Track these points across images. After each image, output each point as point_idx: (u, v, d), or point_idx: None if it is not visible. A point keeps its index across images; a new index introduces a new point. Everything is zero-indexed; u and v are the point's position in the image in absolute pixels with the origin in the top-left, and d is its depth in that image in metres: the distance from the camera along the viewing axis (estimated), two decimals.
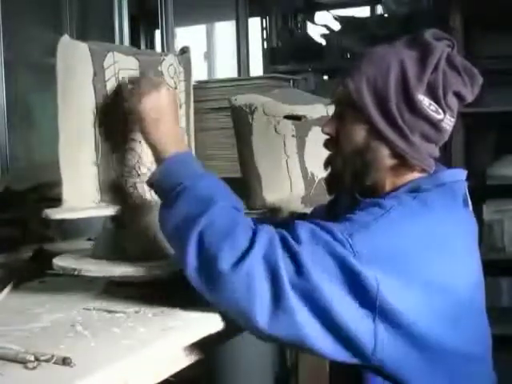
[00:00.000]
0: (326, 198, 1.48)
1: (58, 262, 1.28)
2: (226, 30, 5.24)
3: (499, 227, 3.21)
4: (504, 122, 3.42)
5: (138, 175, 1.28)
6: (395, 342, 1.06)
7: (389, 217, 1.10)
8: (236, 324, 1.09)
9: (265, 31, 4.27)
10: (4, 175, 2.92)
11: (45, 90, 3.05)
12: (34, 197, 1.96)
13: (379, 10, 4.19)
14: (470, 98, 1.21)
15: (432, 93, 1.17)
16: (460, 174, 1.24)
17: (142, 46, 4.86)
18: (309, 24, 4.36)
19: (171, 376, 1.04)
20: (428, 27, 1.22)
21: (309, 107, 1.72)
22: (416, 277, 1.07)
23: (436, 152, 1.22)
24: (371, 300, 1.04)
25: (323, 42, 4.03)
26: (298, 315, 1.02)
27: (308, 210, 1.59)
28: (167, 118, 1.19)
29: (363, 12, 4.33)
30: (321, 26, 4.09)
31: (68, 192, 1.21)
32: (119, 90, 1.24)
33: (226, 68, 5.19)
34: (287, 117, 1.69)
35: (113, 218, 1.29)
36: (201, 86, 2.37)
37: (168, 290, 1.22)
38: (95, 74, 1.22)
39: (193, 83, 1.43)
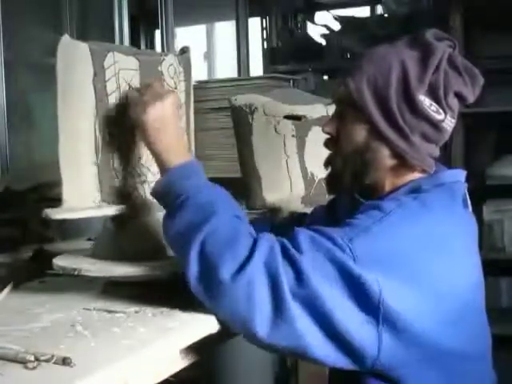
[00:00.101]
0: (325, 198, 1.48)
1: (58, 261, 1.28)
2: (226, 29, 5.24)
3: (499, 227, 3.21)
4: (504, 122, 3.42)
5: (138, 175, 1.28)
6: (397, 346, 1.06)
7: (389, 220, 1.10)
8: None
9: (265, 31, 4.27)
10: (4, 175, 2.92)
11: (45, 90, 3.05)
12: (34, 197, 1.95)
13: (379, 10, 4.20)
14: (471, 98, 1.21)
15: (433, 93, 1.17)
16: (460, 175, 1.24)
17: (142, 46, 4.86)
18: (309, 24, 4.36)
19: (171, 376, 1.04)
20: (428, 27, 1.22)
21: (309, 107, 1.72)
22: (416, 278, 1.07)
23: (436, 152, 1.22)
24: (374, 306, 1.03)
25: (323, 42, 4.03)
26: (298, 324, 1.02)
27: (308, 210, 1.59)
28: (171, 129, 1.19)
29: (363, 12, 4.33)
30: (321, 25, 4.09)
31: (68, 192, 1.21)
32: (125, 98, 1.24)
33: (226, 68, 5.19)
34: (287, 117, 1.69)
35: (113, 218, 1.29)
36: (201, 85, 2.37)
37: (168, 290, 1.22)
38: (95, 74, 1.22)
39: (193, 83, 1.43)
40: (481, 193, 3.13)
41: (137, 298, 1.21)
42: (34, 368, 0.87)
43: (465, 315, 1.13)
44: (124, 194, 1.28)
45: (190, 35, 5.43)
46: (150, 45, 4.99)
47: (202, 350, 1.11)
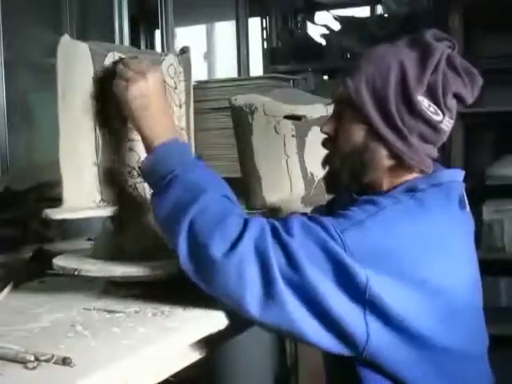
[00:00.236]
0: (325, 198, 1.48)
1: (58, 261, 1.28)
2: (226, 29, 5.24)
3: (499, 227, 3.21)
4: (503, 122, 3.42)
5: (138, 175, 1.28)
6: (386, 337, 1.07)
7: (383, 215, 1.10)
8: (236, 322, 1.09)
9: (265, 31, 4.27)
10: (4, 175, 2.92)
11: (45, 90, 3.05)
12: (33, 197, 1.95)
13: (379, 10, 4.20)
14: (469, 99, 1.20)
15: (431, 94, 1.17)
16: (457, 174, 1.24)
17: (142, 46, 4.86)
18: (309, 24, 4.36)
19: (171, 376, 1.04)
20: (428, 27, 1.22)
21: (309, 107, 1.72)
22: (409, 275, 1.07)
23: (434, 153, 1.22)
24: (360, 294, 1.04)
25: (323, 42, 4.03)
26: (288, 305, 1.03)
27: (308, 210, 1.59)
28: (155, 106, 1.17)
29: (363, 12, 4.32)
30: (321, 25, 4.09)
31: (68, 192, 1.21)
32: (112, 71, 1.21)
33: (226, 68, 5.18)
34: (287, 117, 1.69)
35: (113, 218, 1.29)
36: (201, 86, 2.37)
37: (168, 290, 1.22)
38: (95, 74, 1.22)
39: (193, 83, 1.43)
40: (480, 193, 3.13)
41: (137, 298, 1.21)
42: (34, 368, 0.87)
43: (462, 314, 1.13)
44: (124, 194, 1.28)
45: (190, 35, 5.43)
46: (150, 45, 4.99)
47: (202, 349, 1.11)
